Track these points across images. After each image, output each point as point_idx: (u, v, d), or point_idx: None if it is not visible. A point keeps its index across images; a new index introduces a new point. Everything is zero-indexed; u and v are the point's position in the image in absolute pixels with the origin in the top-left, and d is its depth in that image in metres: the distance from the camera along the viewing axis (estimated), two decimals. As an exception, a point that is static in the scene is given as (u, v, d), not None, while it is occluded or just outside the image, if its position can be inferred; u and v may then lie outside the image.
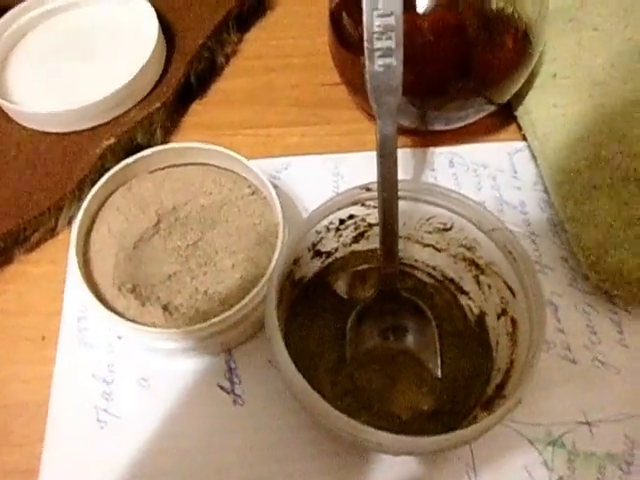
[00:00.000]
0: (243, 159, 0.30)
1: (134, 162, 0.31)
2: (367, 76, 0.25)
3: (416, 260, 0.32)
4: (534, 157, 0.35)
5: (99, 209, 0.31)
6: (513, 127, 0.38)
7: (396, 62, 0.24)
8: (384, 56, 0.24)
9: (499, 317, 0.28)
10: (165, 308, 0.28)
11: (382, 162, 0.25)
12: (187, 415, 0.28)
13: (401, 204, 0.26)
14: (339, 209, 0.28)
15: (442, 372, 0.28)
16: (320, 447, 0.27)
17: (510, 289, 0.27)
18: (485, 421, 0.21)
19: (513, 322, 0.27)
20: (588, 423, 0.28)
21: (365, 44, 0.24)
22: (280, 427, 0.28)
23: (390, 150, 0.25)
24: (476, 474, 0.27)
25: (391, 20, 0.24)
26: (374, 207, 0.29)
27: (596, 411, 0.29)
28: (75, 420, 0.28)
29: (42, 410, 0.28)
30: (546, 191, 0.34)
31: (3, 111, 0.35)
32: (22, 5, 0.38)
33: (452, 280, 0.31)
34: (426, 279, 0.32)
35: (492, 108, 0.34)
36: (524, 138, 0.37)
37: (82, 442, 0.28)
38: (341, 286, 0.31)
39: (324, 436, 0.28)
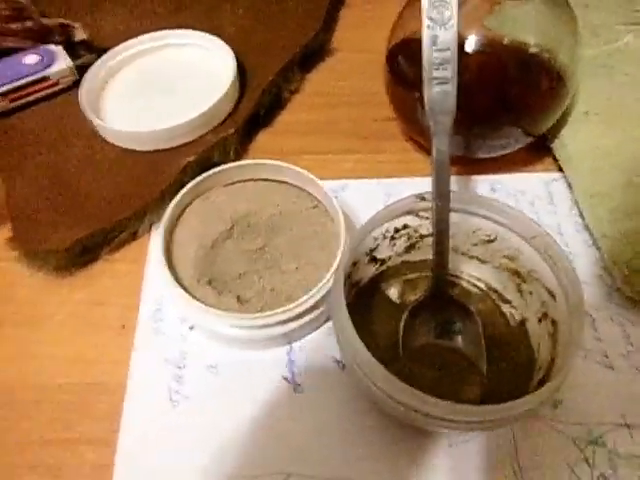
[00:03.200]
0: (311, 175, 0.34)
1: (211, 175, 0.36)
2: (425, 99, 0.29)
3: (462, 272, 0.35)
4: (569, 186, 0.39)
5: (180, 214, 0.35)
6: (549, 159, 0.41)
7: (451, 88, 0.29)
8: (441, 83, 0.29)
9: (540, 321, 0.31)
10: (238, 299, 0.31)
11: (437, 173, 0.29)
12: (251, 400, 0.31)
13: (451, 216, 0.30)
14: (395, 217, 0.31)
15: (487, 369, 0.30)
16: (376, 433, 0.30)
17: (550, 293, 0.29)
18: (531, 396, 0.23)
19: (554, 324, 0.29)
20: (628, 426, 0.30)
21: (424, 74, 0.29)
22: (337, 414, 0.30)
23: (444, 162, 0.29)
24: (520, 467, 0.29)
25: (448, 54, 0.29)
26: (426, 218, 0.32)
27: (635, 415, 0.30)
28: (150, 398, 0.31)
29: (121, 389, 0.31)
30: (581, 215, 0.37)
31: (98, 132, 0.41)
32: (121, 45, 0.44)
33: (495, 290, 0.34)
34: (471, 289, 0.34)
35: (529, 139, 0.38)
36: (559, 169, 0.40)
37: (155, 417, 0.30)
38: (393, 292, 0.34)
39: (379, 423, 0.30)
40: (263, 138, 0.43)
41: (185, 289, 0.31)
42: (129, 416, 0.30)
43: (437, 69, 0.29)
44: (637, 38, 0.39)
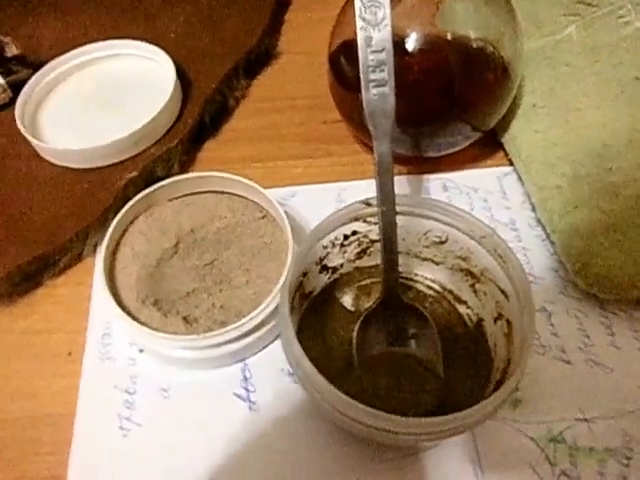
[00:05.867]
0: (256, 185, 0.33)
1: (155, 191, 0.34)
2: (364, 103, 0.28)
3: (416, 274, 0.34)
4: (520, 179, 0.38)
5: (124, 232, 0.34)
6: (500, 155, 0.41)
7: (388, 90, 0.28)
8: (378, 86, 0.28)
9: (495, 321, 0.30)
10: (185, 319, 0.30)
11: (380, 177, 0.28)
12: (205, 422, 0.30)
13: (399, 219, 0.29)
14: (343, 224, 0.31)
15: (444, 373, 0.30)
16: (333, 449, 0.29)
17: (504, 293, 0.29)
18: (490, 399, 0.23)
19: (508, 323, 0.29)
20: (586, 420, 0.30)
21: (361, 76, 0.28)
22: (292, 431, 0.29)
23: (387, 166, 0.28)
24: (483, 471, 0.28)
25: (383, 55, 0.28)
26: (375, 223, 0.32)
27: (593, 408, 0.30)
28: (99, 429, 0.30)
29: (69, 420, 0.30)
30: (533, 209, 0.37)
31: (36, 151, 0.39)
32: (57, 59, 0.42)
33: (450, 291, 0.33)
34: (426, 291, 0.34)
35: (478, 135, 0.37)
36: (510, 163, 0.40)
37: (106, 449, 0.29)
38: (348, 300, 0.34)
39: (337, 438, 0.29)
40: (210, 147, 0.42)
41: (129, 312, 0.30)
42: (78, 449, 0.29)
43: (373, 71, 0.28)
44: (579, 29, 0.39)
